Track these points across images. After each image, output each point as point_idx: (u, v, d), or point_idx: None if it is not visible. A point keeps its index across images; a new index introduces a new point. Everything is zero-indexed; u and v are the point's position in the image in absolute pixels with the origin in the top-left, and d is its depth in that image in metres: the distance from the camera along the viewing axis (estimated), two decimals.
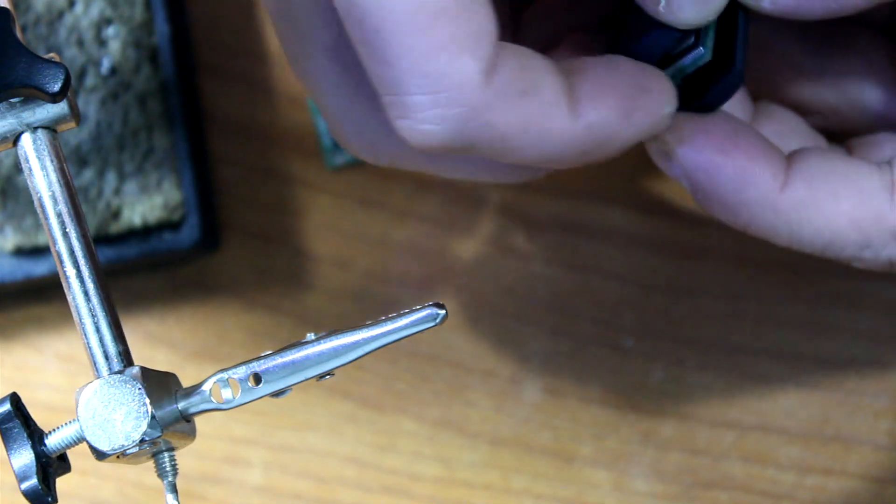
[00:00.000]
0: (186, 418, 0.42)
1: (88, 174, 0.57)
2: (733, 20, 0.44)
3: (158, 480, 0.42)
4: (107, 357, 0.42)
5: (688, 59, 0.44)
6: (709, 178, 0.44)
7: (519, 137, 0.41)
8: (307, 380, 0.41)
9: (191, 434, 0.43)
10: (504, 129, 0.40)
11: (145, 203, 0.56)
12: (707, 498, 0.57)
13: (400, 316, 0.41)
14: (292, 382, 0.41)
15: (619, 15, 0.45)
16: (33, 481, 0.41)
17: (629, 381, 0.58)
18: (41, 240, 0.56)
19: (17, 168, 0.57)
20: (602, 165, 0.58)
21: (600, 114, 0.41)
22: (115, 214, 0.56)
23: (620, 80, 0.42)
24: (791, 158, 0.45)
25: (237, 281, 0.59)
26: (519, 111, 0.40)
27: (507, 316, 0.58)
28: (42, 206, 0.42)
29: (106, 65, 0.57)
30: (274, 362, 0.41)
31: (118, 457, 0.41)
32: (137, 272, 0.58)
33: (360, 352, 0.41)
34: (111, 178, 0.57)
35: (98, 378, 0.41)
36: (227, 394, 0.41)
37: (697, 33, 0.44)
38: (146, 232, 0.57)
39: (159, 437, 0.41)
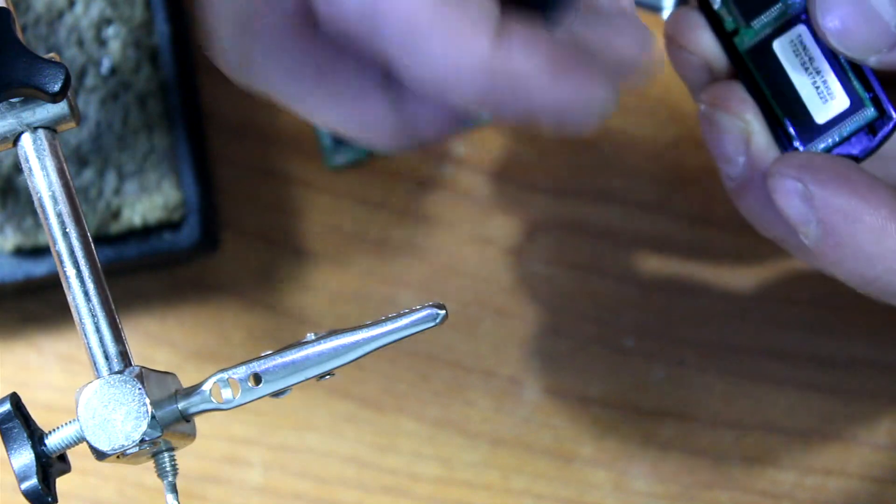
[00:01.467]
0: (186, 418, 0.42)
1: (88, 174, 0.57)
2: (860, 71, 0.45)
3: (158, 480, 0.42)
4: (107, 357, 0.42)
5: (885, 132, 0.45)
6: (848, 225, 0.43)
7: (428, 41, 0.38)
8: (307, 380, 0.41)
9: (191, 434, 0.43)
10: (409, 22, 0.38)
11: (145, 203, 0.56)
12: (707, 498, 0.57)
13: (400, 316, 0.41)
14: (292, 382, 0.41)
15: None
16: (33, 481, 0.41)
17: (629, 381, 0.58)
18: (41, 240, 0.56)
19: (17, 168, 0.57)
20: (602, 165, 0.59)
21: (525, 54, 0.38)
22: (115, 214, 0.56)
23: (572, 49, 0.40)
24: None
25: (237, 281, 0.59)
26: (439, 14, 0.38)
27: (507, 316, 0.58)
28: (42, 206, 0.42)
29: (106, 65, 0.57)
30: (274, 362, 0.41)
31: (118, 457, 0.41)
32: (137, 272, 0.58)
33: (360, 352, 0.41)
34: (111, 178, 0.57)
35: (98, 378, 0.41)
36: (227, 394, 0.41)
37: (878, 102, 0.44)
38: (146, 232, 0.57)
39: (159, 437, 0.41)
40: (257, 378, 0.41)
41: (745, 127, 0.46)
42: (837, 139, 0.45)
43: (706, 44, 0.47)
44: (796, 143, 0.45)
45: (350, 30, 0.39)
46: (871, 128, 0.45)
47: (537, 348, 0.58)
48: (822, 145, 0.45)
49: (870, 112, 0.45)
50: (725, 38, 0.46)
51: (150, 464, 0.42)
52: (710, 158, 0.57)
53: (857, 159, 0.45)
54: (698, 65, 0.47)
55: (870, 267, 0.44)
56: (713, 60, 0.47)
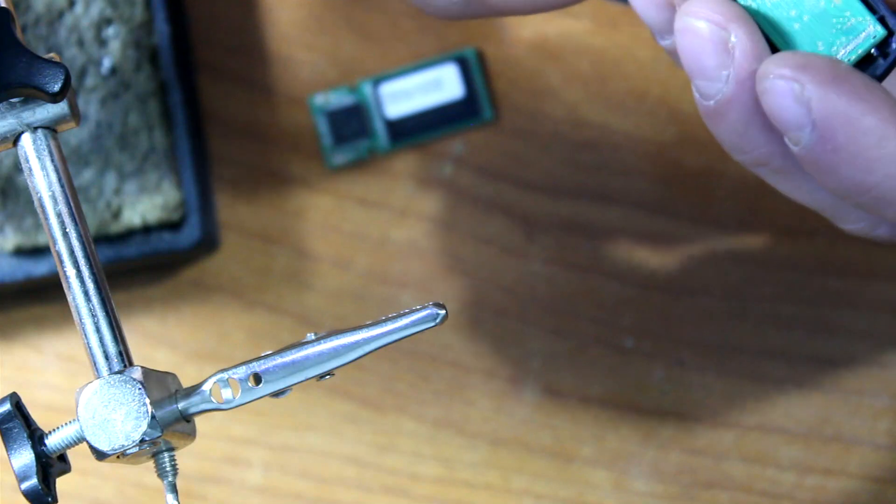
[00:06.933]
0: (186, 418, 0.42)
1: (88, 174, 0.57)
2: None
3: (158, 480, 0.42)
4: (107, 357, 0.42)
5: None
6: (848, 127, 0.41)
7: None
8: (307, 380, 0.41)
9: (191, 434, 0.43)
10: None
11: (145, 203, 0.56)
12: (707, 498, 0.57)
13: (400, 316, 0.41)
14: (292, 382, 0.41)
15: None
16: (33, 481, 0.41)
17: (629, 381, 0.58)
18: (41, 240, 0.56)
19: (17, 168, 0.57)
20: (602, 165, 0.59)
21: None
22: (115, 214, 0.56)
23: None
24: None
25: (237, 281, 0.59)
26: None
27: (507, 316, 0.58)
28: (42, 206, 0.42)
29: (106, 65, 0.57)
30: (274, 362, 0.41)
31: (118, 457, 0.41)
32: (137, 272, 0.58)
33: (360, 352, 0.41)
34: (111, 178, 0.57)
35: (98, 378, 0.41)
36: (227, 394, 0.41)
37: (885, 21, 0.43)
38: (146, 232, 0.57)
39: (159, 437, 0.41)
40: (257, 378, 0.41)
41: (727, 35, 0.42)
42: (848, 64, 0.43)
43: None
44: None
45: None
46: (881, 48, 0.43)
47: (537, 348, 0.58)
48: None
49: (879, 31, 0.43)
50: None
51: (150, 464, 0.42)
52: (710, 158, 0.58)
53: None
54: (661, 2, 0.44)
55: (868, 173, 0.42)
56: None
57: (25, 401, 0.42)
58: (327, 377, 0.41)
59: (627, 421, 0.57)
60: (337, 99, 0.59)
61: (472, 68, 0.59)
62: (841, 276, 0.57)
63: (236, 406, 0.42)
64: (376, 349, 0.41)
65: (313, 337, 0.41)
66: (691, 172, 0.58)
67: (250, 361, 0.41)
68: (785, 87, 0.41)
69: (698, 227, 0.58)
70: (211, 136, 0.59)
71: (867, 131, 0.41)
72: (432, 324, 0.41)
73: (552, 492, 0.57)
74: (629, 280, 0.58)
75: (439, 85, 0.59)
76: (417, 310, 0.41)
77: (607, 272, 0.58)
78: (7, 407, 0.41)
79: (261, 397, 0.41)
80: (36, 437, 0.41)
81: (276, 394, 0.41)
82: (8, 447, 0.41)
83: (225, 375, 0.41)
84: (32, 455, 0.41)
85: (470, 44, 0.59)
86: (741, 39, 0.42)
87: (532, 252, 0.58)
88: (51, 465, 0.41)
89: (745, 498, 0.57)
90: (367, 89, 0.59)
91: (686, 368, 0.57)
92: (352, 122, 0.59)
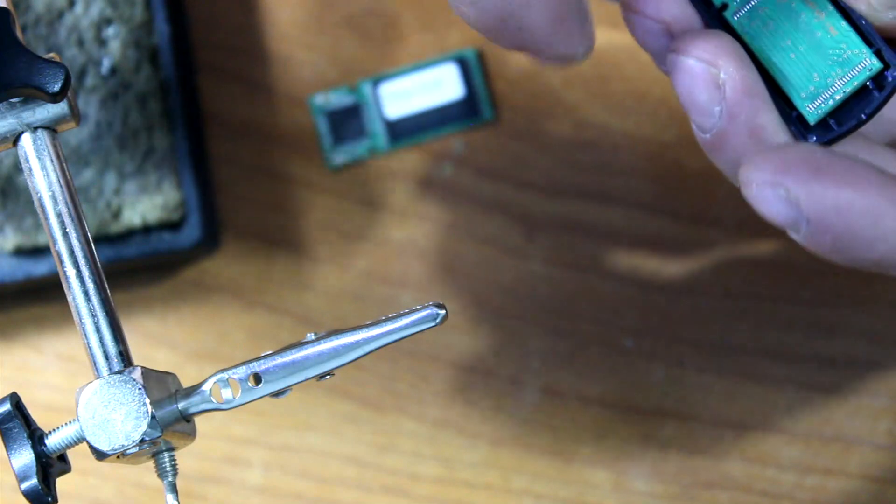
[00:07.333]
0: (186, 418, 0.42)
1: (88, 174, 0.57)
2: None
3: (158, 480, 0.42)
4: (107, 357, 0.42)
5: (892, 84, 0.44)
6: (841, 216, 0.42)
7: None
8: (307, 380, 0.41)
9: (191, 434, 0.43)
10: None
11: (145, 203, 0.56)
12: (707, 498, 0.57)
13: (400, 316, 0.41)
14: (292, 382, 0.41)
15: None
16: (33, 481, 0.41)
17: (629, 381, 0.58)
18: (41, 240, 0.56)
19: (17, 168, 0.57)
20: (602, 165, 0.59)
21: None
22: (116, 214, 0.56)
23: None
24: None
25: (237, 281, 0.59)
26: None
27: (507, 316, 0.58)
28: (42, 206, 0.42)
29: (106, 65, 0.57)
30: (274, 362, 0.41)
31: (118, 457, 0.41)
32: (137, 272, 0.58)
33: (360, 352, 0.41)
34: (111, 178, 0.57)
35: (98, 378, 0.41)
36: (227, 394, 0.41)
37: (881, 55, 0.43)
38: (146, 232, 0.57)
39: (159, 437, 0.41)
40: (257, 378, 0.41)
41: (717, 73, 0.43)
42: (844, 96, 0.43)
43: (665, 8, 0.45)
44: (800, 107, 0.44)
45: None
46: (877, 80, 0.43)
47: (537, 348, 0.58)
48: (828, 104, 0.44)
49: (875, 64, 0.43)
50: (713, 13, 0.45)
51: (150, 464, 0.42)
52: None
53: (867, 115, 0.44)
54: (658, 31, 0.45)
55: (870, 251, 0.42)
56: (674, 24, 0.45)
57: (25, 401, 0.42)
58: (327, 377, 0.41)
59: (627, 421, 0.57)
60: (337, 99, 0.59)
61: (472, 68, 0.59)
62: (841, 276, 0.57)
63: (236, 406, 0.42)
64: (376, 349, 0.41)
65: (313, 337, 0.41)
66: (691, 172, 0.58)
67: (250, 361, 0.41)
68: (770, 194, 0.42)
69: (698, 227, 0.58)
70: (211, 136, 0.59)
71: (860, 214, 0.42)
72: (432, 324, 0.41)
73: (552, 492, 0.57)
74: (629, 280, 0.58)
75: (439, 85, 0.59)
76: (417, 310, 0.41)
77: (607, 272, 0.58)
78: (7, 407, 0.41)
79: (261, 397, 0.41)
80: (36, 437, 0.41)
81: (276, 394, 0.41)
82: (8, 447, 0.41)
83: (225, 375, 0.41)
84: (32, 455, 0.41)
85: (470, 44, 0.59)
86: (731, 76, 0.43)
87: (532, 252, 0.58)
88: (51, 465, 0.41)
89: (745, 498, 0.57)
90: (366, 89, 0.59)
91: (686, 368, 0.57)
92: (352, 122, 0.59)
